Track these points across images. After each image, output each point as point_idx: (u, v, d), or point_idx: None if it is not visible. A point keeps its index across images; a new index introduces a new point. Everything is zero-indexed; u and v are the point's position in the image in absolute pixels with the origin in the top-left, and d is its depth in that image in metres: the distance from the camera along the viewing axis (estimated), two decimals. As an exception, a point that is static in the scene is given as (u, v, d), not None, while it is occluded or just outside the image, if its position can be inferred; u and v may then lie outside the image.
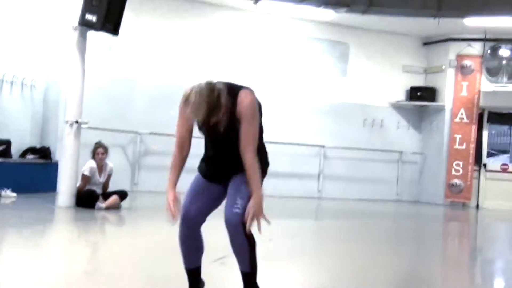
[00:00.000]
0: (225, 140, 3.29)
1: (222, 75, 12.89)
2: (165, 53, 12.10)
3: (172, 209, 3.32)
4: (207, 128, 3.25)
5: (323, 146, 13.17)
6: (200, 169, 3.55)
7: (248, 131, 3.21)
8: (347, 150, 13.38)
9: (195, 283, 3.58)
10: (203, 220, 3.42)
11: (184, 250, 3.48)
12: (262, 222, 3.16)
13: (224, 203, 3.37)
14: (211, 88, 3.10)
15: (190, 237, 3.43)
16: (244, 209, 3.15)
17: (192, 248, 3.48)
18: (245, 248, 3.19)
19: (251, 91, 3.25)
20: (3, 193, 9.01)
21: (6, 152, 9.68)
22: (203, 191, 3.45)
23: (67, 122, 8.43)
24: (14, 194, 9.10)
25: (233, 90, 3.21)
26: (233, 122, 3.20)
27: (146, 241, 6.00)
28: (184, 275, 4.40)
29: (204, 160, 3.54)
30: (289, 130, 12.77)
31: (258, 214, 3.13)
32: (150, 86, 12.00)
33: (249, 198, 3.18)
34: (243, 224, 3.13)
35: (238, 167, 3.28)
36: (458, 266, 6.04)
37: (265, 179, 3.36)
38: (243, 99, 3.19)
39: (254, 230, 3.16)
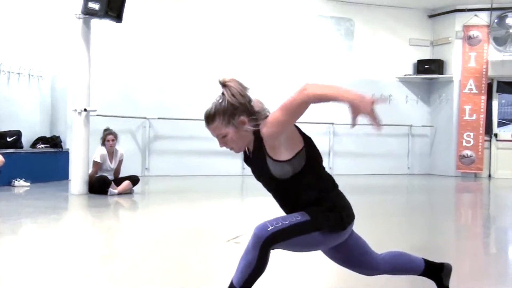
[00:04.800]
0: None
1: (229, 58, 12.92)
2: (171, 37, 12.08)
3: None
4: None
5: (332, 123, 13.15)
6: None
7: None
8: (356, 126, 13.35)
9: None
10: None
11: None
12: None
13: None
14: None
15: None
16: (278, 229, 2.66)
17: None
18: (250, 268, 2.67)
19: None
20: (16, 183, 9.11)
21: (17, 143, 9.75)
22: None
23: (75, 110, 8.46)
24: (27, 184, 9.19)
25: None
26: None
27: (160, 225, 6.04)
28: (201, 258, 4.43)
29: None
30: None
31: (364, 108, 2.53)
32: (158, 71, 12.02)
33: (292, 222, 2.70)
34: (265, 245, 2.65)
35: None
36: (472, 236, 6.04)
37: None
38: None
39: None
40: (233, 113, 2.75)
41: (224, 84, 2.81)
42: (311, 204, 2.77)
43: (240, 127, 2.75)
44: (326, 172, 2.89)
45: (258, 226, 2.69)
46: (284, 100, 2.65)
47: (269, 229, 2.66)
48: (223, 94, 2.80)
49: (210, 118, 2.79)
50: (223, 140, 2.80)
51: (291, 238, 2.69)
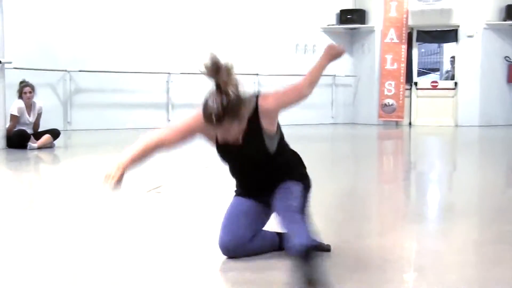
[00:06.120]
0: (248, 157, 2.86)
1: (150, 6, 12.51)
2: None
3: (112, 175, 2.67)
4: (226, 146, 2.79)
5: (257, 74, 13.13)
6: (236, 193, 3.07)
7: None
8: (281, 77, 13.39)
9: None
10: (247, 247, 2.91)
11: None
12: None
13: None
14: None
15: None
16: (298, 205, 2.76)
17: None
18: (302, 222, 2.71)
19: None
20: None
21: None
22: (242, 213, 2.95)
23: (-12, 62, 8.09)
24: None
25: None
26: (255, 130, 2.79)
27: (82, 177, 5.92)
28: (122, 208, 4.38)
29: (237, 188, 3.07)
30: (221, 59, 12.62)
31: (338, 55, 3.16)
32: (78, 21, 11.58)
33: (301, 198, 2.84)
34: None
35: (279, 177, 2.89)
36: (393, 180, 6.23)
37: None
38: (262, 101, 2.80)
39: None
40: (239, 108, 2.62)
41: (224, 82, 2.60)
42: (293, 166, 3.01)
43: (243, 118, 2.67)
44: None
45: (282, 207, 2.76)
46: (287, 87, 2.92)
47: (292, 204, 2.76)
48: (221, 90, 2.59)
49: (219, 119, 2.57)
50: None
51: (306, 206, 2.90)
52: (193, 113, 2.78)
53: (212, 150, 2.89)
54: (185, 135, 2.83)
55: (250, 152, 2.82)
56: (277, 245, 2.99)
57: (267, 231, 3.02)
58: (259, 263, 2.82)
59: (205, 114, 2.58)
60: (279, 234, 3.00)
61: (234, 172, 3.00)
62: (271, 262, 2.83)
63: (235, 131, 2.67)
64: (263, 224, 3.03)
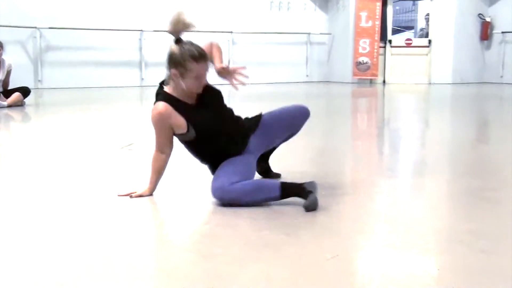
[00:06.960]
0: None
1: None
2: None
3: (130, 195, 3.19)
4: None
5: (231, 32, 13.01)
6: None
7: None
8: (255, 35, 13.29)
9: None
10: None
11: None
12: None
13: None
14: None
15: None
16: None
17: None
18: None
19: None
20: None
21: None
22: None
23: (-45, 18, 7.87)
24: None
25: None
26: None
27: (53, 135, 5.86)
28: (94, 164, 4.36)
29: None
30: (195, 17, 12.47)
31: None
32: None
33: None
34: None
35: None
36: (366, 137, 6.26)
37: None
38: None
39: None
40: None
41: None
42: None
43: None
44: None
45: None
46: None
47: None
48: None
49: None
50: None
51: None
52: (157, 122, 3.08)
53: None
54: (169, 136, 3.13)
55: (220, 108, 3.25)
56: (278, 195, 2.95)
57: (266, 180, 3.16)
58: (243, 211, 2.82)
59: (195, 56, 3.10)
60: (283, 184, 3.00)
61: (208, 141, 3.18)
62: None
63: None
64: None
